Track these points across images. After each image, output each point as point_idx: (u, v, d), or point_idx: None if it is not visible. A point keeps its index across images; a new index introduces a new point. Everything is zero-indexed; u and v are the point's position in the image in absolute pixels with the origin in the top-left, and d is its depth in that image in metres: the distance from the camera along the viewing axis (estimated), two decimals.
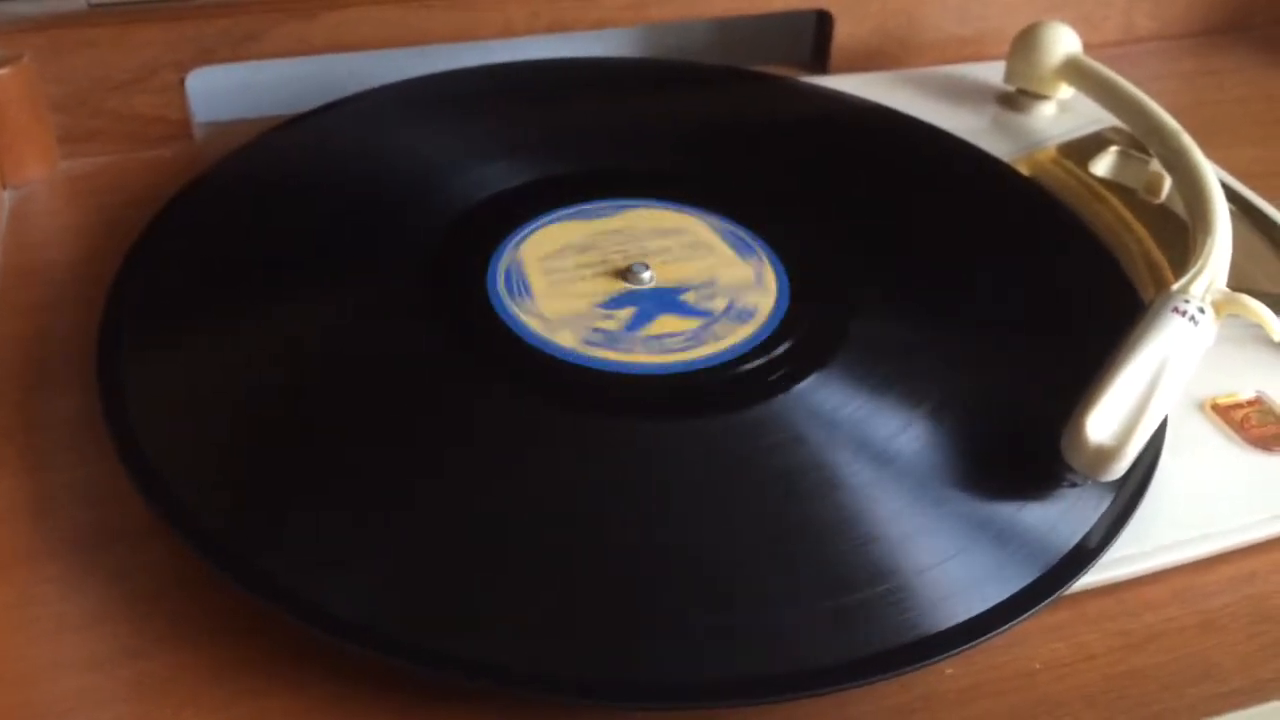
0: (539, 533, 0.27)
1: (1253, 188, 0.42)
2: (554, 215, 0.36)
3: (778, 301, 0.33)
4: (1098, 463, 0.28)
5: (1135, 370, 0.29)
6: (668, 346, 0.31)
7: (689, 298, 0.33)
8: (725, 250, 0.35)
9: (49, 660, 0.26)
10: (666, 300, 0.33)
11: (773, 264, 0.35)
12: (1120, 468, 0.28)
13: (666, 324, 0.32)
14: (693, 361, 0.31)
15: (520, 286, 0.33)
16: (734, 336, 0.32)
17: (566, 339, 0.31)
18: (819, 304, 0.33)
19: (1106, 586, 0.28)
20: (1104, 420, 0.28)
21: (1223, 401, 0.33)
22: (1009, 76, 0.46)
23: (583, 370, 0.30)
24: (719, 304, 0.33)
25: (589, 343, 0.31)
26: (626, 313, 0.32)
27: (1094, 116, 0.45)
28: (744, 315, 0.32)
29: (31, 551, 0.28)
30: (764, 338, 0.32)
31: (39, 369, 0.33)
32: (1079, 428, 0.28)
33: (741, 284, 0.34)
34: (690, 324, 0.32)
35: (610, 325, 0.32)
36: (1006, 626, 0.25)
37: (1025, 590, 0.26)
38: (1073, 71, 0.44)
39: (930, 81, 0.48)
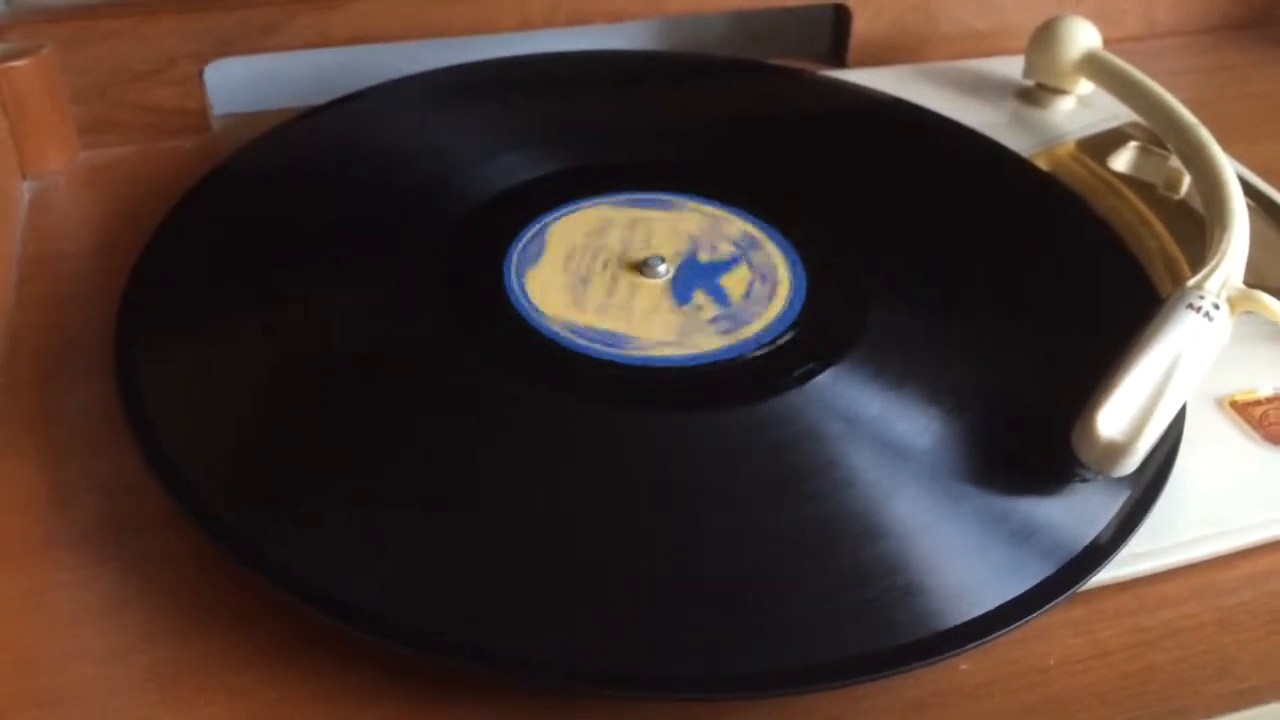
0: (554, 524, 0.27)
1: (1273, 183, 0.41)
2: (565, 209, 0.36)
3: (795, 294, 0.33)
4: (1108, 458, 0.27)
5: (1148, 366, 0.29)
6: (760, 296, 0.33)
7: (705, 256, 0.34)
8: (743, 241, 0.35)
9: (66, 648, 0.26)
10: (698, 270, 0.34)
11: (789, 256, 0.35)
12: (1131, 464, 0.28)
13: (732, 283, 0.33)
14: (708, 354, 0.31)
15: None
16: (774, 302, 0.32)
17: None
18: (835, 297, 0.33)
19: (1124, 583, 0.28)
20: (1115, 416, 0.28)
21: (1241, 398, 0.32)
22: (1028, 71, 0.46)
23: (595, 362, 0.30)
24: (727, 247, 0.34)
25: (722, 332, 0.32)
26: (703, 297, 0.33)
27: (1113, 112, 0.45)
28: (755, 243, 0.34)
29: (49, 540, 0.28)
30: (781, 330, 0.32)
31: (58, 358, 0.33)
32: (1090, 423, 0.27)
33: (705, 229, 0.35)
34: (744, 272, 0.34)
35: (708, 314, 0.33)
36: (1021, 622, 0.25)
37: (1040, 586, 0.26)
38: (1092, 66, 0.44)
39: (948, 75, 0.48)
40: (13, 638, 0.26)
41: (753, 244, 0.35)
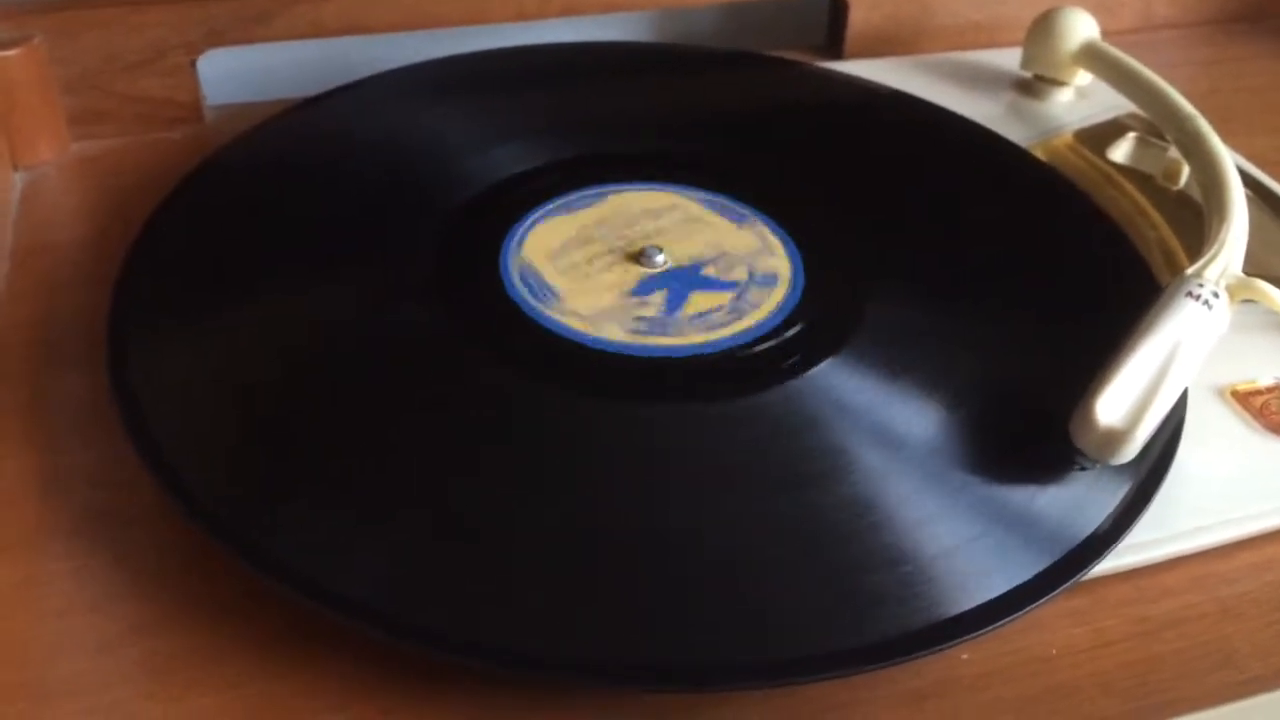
0: (550, 516, 0.26)
1: (1270, 174, 0.41)
2: (555, 204, 0.35)
3: (793, 283, 0.33)
4: (1107, 446, 0.27)
5: (1147, 354, 0.28)
6: (713, 322, 0.31)
7: (710, 271, 0.33)
8: (726, 224, 0.35)
9: (56, 640, 0.25)
10: (689, 279, 0.33)
11: (782, 241, 0.34)
12: (1130, 451, 0.27)
13: (700, 301, 0.32)
14: (707, 345, 0.31)
15: (541, 290, 0.32)
16: (769, 303, 0.32)
17: (614, 333, 0.31)
18: (834, 288, 0.33)
19: (1125, 573, 0.28)
20: (1114, 403, 0.27)
21: (1242, 388, 0.32)
22: (1026, 62, 0.46)
23: (590, 352, 0.30)
24: (740, 273, 0.33)
25: (637, 332, 0.31)
26: (659, 296, 0.32)
27: (1111, 103, 0.44)
28: (768, 280, 0.33)
29: (39, 531, 0.28)
30: (778, 322, 0.32)
31: (49, 349, 0.33)
32: (1089, 410, 0.27)
33: (750, 250, 0.34)
34: (723, 298, 0.32)
35: (649, 312, 0.32)
36: (1022, 612, 0.25)
37: (1041, 575, 0.26)
38: (1090, 57, 0.44)
39: (946, 67, 0.47)
40: (3, 630, 0.26)
41: (761, 271, 0.34)
